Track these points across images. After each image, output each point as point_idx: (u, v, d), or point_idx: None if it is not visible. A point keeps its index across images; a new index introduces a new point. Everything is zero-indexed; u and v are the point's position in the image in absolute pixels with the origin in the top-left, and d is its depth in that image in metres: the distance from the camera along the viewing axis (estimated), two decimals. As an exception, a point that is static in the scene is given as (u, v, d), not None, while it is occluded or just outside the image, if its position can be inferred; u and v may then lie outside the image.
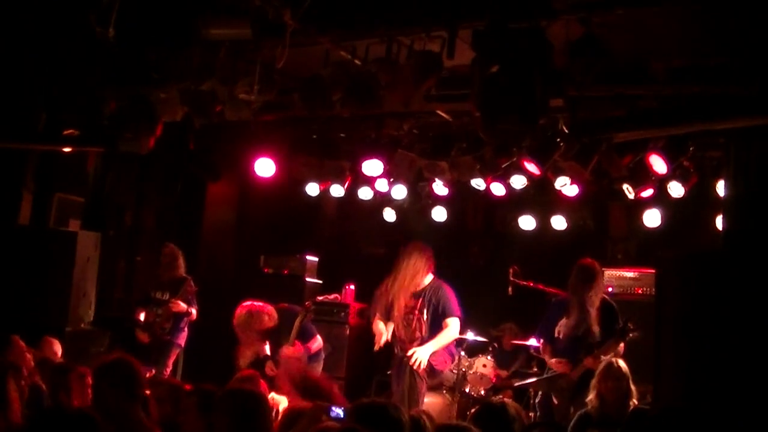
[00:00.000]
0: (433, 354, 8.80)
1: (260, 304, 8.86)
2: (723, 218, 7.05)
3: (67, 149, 9.28)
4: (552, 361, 8.27)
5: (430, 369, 8.85)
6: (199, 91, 7.43)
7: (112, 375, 4.59)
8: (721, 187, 8.24)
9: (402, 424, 5.00)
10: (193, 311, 9.87)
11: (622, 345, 7.91)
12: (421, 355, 8.69)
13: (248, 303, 8.82)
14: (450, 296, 8.96)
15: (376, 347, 9.09)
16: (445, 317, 8.89)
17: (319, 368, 9.17)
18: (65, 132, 8.71)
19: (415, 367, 8.66)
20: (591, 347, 7.93)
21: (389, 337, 9.00)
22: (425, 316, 8.92)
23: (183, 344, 9.95)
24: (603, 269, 8.99)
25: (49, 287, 9.91)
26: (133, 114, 7.71)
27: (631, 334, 7.82)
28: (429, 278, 9.06)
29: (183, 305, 9.74)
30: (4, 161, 9.84)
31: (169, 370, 9.70)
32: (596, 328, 8.01)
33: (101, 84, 7.49)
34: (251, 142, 9.61)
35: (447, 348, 9.03)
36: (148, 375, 7.38)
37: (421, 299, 8.96)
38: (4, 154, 9.65)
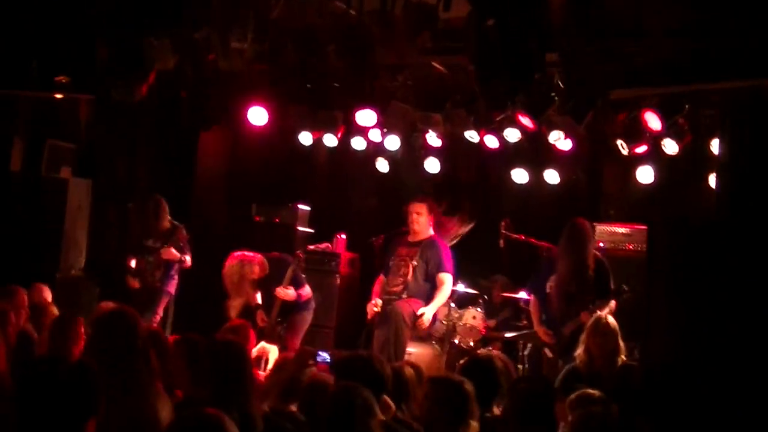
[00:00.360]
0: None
1: (251, 254, 8.90)
2: (717, 180, 7.02)
3: (58, 96, 9.20)
4: (540, 330, 8.32)
5: (414, 320, 8.96)
6: (192, 40, 7.38)
7: (109, 328, 4.47)
8: (715, 146, 8.20)
9: (384, 377, 5.06)
10: (187, 258, 9.80)
11: (614, 303, 7.95)
12: (428, 315, 8.93)
13: (239, 253, 8.86)
14: (444, 253, 9.17)
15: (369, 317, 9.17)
16: (439, 272, 9.08)
17: (309, 317, 9.24)
18: (57, 79, 8.64)
19: (425, 326, 8.95)
20: (584, 303, 7.94)
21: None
22: (415, 264, 9.10)
23: (173, 292, 9.94)
24: (595, 224, 9.00)
25: (41, 234, 9.93)
26: (126, 62, 7.65)
27: (624, 296, 7.89)
28: (429, 231, 9.30)
29: (175, 252, 9.70)
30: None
31: (158, 317, 9.70)
32: (589, 287, 8.03)
33: (94, 31, 7.42)
34: (244, 92, 9.51)
35: None
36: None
37: (416, 248, 9.18)
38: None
